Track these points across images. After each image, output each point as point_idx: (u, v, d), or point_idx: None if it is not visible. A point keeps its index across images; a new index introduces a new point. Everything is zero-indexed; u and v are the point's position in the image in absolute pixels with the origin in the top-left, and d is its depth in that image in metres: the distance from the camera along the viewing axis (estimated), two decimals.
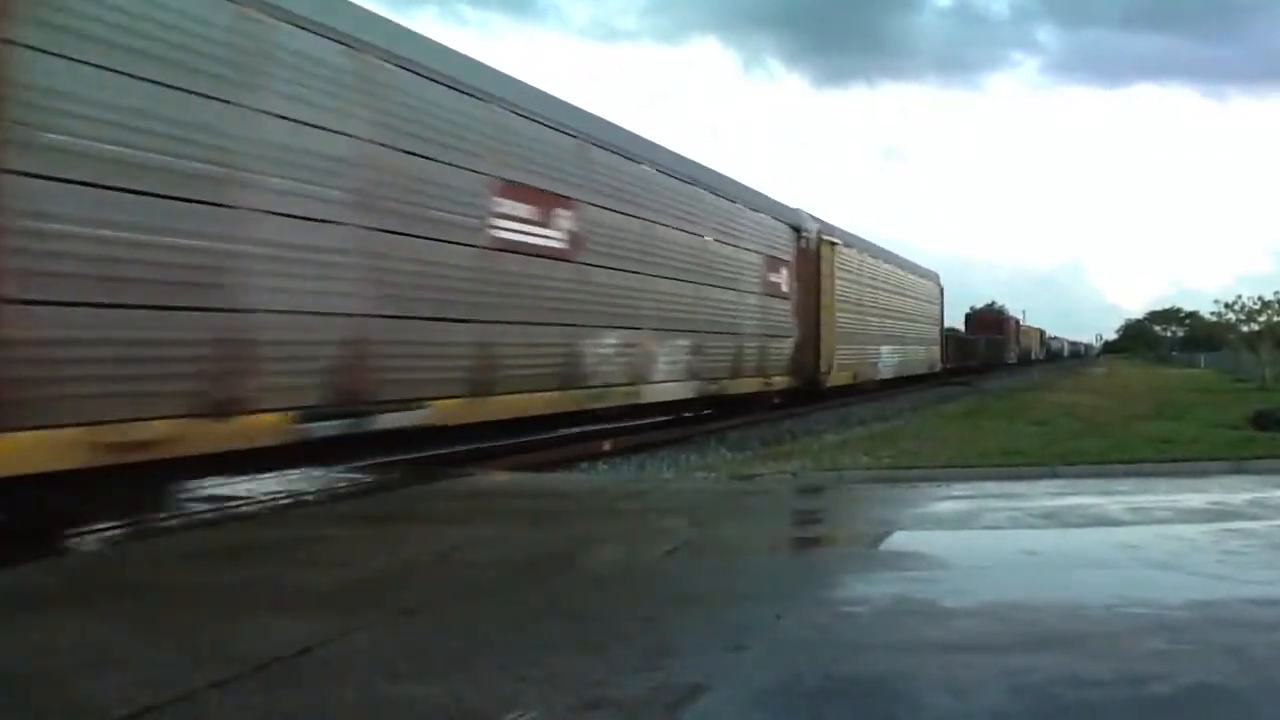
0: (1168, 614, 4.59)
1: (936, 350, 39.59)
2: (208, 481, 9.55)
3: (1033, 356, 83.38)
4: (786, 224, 21.63)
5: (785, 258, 21.15)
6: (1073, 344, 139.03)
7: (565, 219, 12.43)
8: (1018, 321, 78.20)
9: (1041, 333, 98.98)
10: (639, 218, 14.69)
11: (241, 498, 9.58)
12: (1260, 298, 35.42)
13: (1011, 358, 68.79)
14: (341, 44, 8.91)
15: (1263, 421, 14.74)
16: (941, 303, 41.79)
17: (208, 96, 7.52)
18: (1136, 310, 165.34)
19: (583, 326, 12.95)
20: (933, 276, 40.16)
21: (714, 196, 17.73)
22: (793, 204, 25.36)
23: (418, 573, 5.76)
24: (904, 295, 33.67)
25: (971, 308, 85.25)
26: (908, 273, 35.07)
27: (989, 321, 69.79)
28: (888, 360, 30.81)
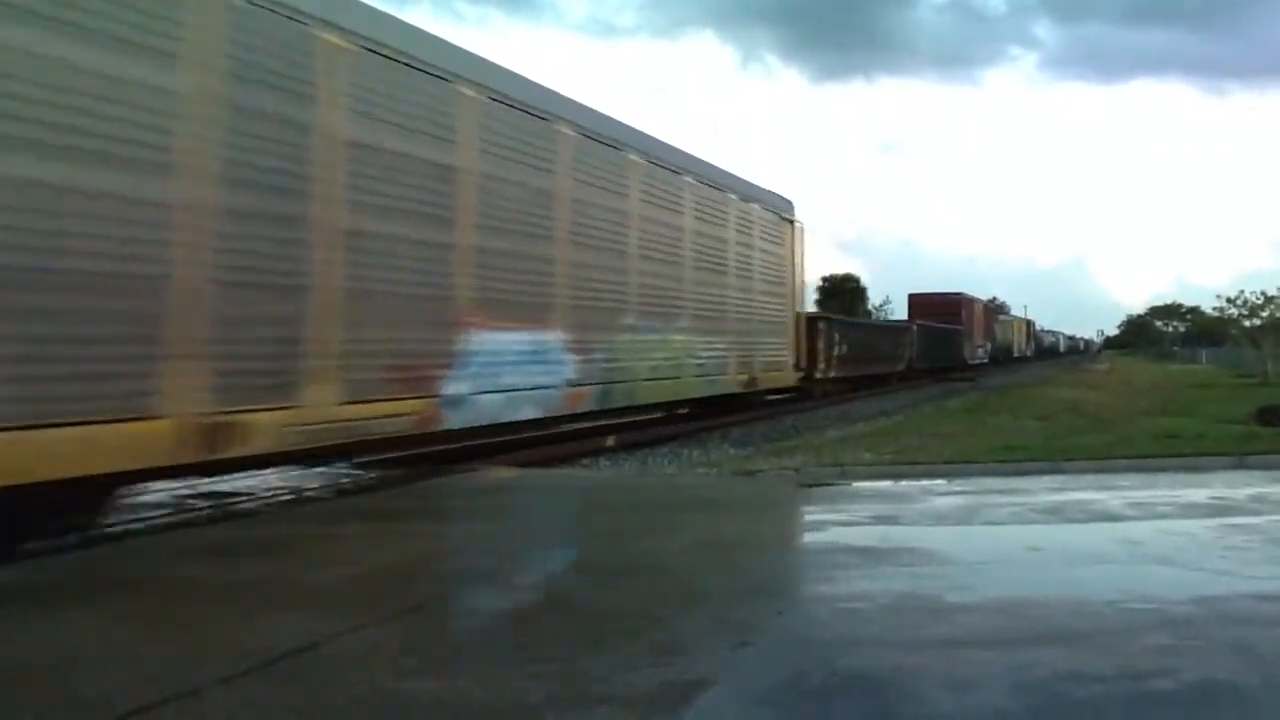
0: (1171, 610, 4.60)
1: (782, 346, 20.72)
2: (208, 478, 9.56)
3: (1016, 353, 68.65)
4: None
5: None
6: (1070, 339, 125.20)
7: None
8: (989, 307, 60.81)
9: (1029, 324, 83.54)
10: None
11: (245, 494, 9.60)
12: (1263, 293, 35.37)
13: (978, 355, 53.07)
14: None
15: (1266, 417, 14.74)
16: (797, 257, 21.52)
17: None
18: (1138, 306, 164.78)
19: None
20: (774, 205, 20.30)
21: None
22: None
23: (423, 569, 5.77)
24: (642, 215, 14.53)
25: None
26: (669, 171, 15.61)
27: (937, 305, 48.75)
28: (541, 371, 11.88)
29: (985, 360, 54.63)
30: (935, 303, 48.63)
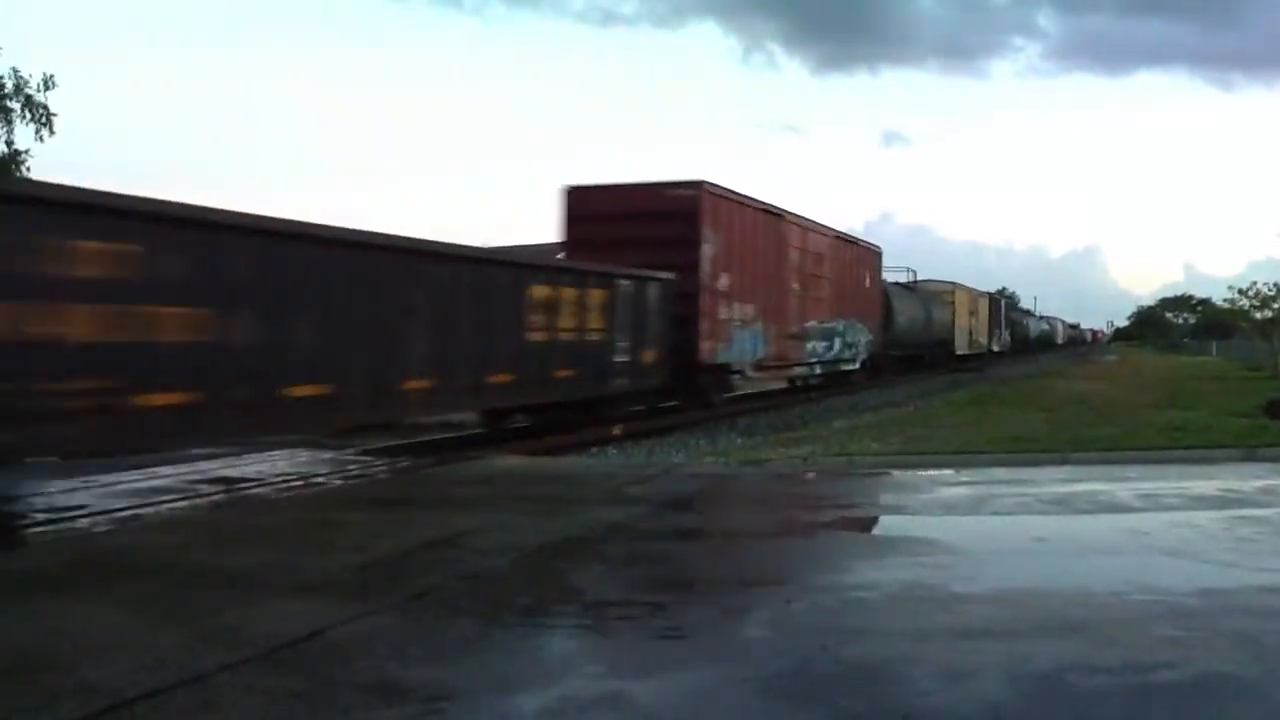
0: (1177, 601, 4.59)
1: None
2: (217, 463, 9.59)
3: (966, 349, 42.16)
4: None
5: None
6: (1072, 327, 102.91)
7: None
8: (860, 250, 27.81)
9: (995, 302, 52.71)
10: None
11: (252, 479, 9.61)
12: (1275, 284, 35.04)
13: (810, 355, 22.95)
14: None
15: (1276, 410, 14.63)
16: None
17: None
18: (1148, 297, 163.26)
19: None
20: None
21: None
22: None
23: (429, 557, 5.78)
24: None
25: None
26: None
27: (629, 216, 16.46)
28: None
29: (850, 364, 25.75)
30: (624, 212, 16.88)
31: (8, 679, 3.56)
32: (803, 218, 22.61)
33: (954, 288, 42.20)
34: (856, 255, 27.05)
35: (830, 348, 24.12)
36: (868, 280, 28.06)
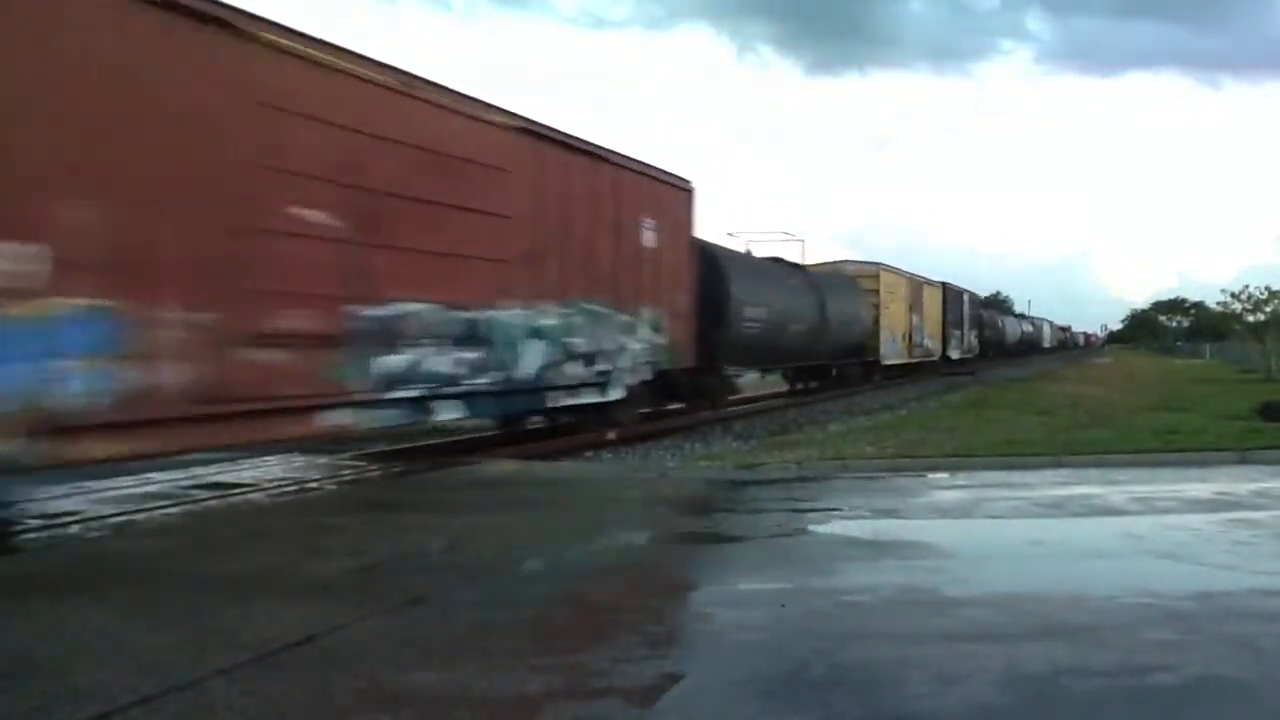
0: (1173, 604, 4.59)
1: None
2: (211, 468, 9.56)
3: (901, 354, 31.24)
4: None
5: None
6: (1062, 329, 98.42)
7: None
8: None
9: (956, 294, 40.48)
10: None
11: (247, 485, 9.59)
12: (1267, 287, 35.16)
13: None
14: None
15: (1269, 412, 14.66)
16: None
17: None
18: (1142, 302, 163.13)
19: None
20: None
21: None
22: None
23: (424, 561, 5.77)
24: None
25: None
26: None
27: None
28: None
29: (589, 390, 12.95)
30: None
31: (0, 683, 3.54)
32: (382, 64, 9.47)
33: (878, 270, 29.42)
34: (612, 184, 13.61)
35: (510, 360, 11.27)
36: (650, 237, 14.74)
